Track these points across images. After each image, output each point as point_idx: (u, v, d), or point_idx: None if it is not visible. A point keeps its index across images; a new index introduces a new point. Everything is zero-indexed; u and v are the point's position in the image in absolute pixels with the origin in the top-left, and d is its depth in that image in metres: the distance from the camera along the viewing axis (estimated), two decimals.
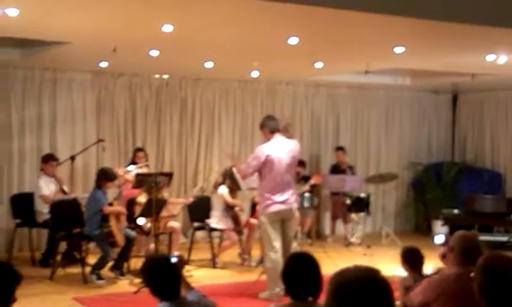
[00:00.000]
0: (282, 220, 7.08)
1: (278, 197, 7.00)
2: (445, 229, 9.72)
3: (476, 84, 11.02)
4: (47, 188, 8.71)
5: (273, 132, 7.19)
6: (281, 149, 7.09)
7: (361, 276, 2.25)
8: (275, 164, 7.00)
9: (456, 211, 9.46)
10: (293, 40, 6.83)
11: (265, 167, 7.02)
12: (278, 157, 7.02)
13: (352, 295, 2.20)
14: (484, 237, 5.81)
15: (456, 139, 13.06)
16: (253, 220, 9.04)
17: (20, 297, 3.08)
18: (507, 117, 12.07)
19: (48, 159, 8.91)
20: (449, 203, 10.75)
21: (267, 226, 7.02)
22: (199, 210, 9.19)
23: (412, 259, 4.76)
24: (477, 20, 5.82)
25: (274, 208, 7.00)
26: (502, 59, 8.04)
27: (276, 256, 6.87)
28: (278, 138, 7.18)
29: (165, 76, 10.58)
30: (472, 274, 3.32)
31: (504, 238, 8.08)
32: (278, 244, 6.99)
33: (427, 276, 4.48)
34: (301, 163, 9.87)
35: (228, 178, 8.74)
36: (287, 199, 7.05)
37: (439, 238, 4.14)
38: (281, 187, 7.01)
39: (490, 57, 7.99)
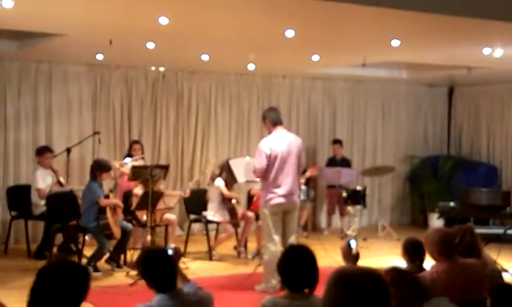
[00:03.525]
0: (284, 213, 7.08)
1: (281, 190, 6.99)
2: (441, 221, 9.77)
3: (472, 78, 11.03)
4: (43, 181, 8.69)
5: (275, 124, 7.13)
6: (282, 142, 7.05)
7: (363, 269, 2.34)
8: (277, 157, 6.97)
9: (451, 204, 9.49)
10: (289, 33, 6.82)
11: (268, 161, 7.00)
12: (280, 150, 6.99)
13: (355, 283, 2.24)
14: (480, 230, 5.81)
15: (452, 132, 13.08)
16: (249, 213, 9.04)
17: (15, 289, 3.09)
18: (503, 110, 12.09)
19: (44, 151, 8.89)
20: (445, 196, 10.78)
21: (269, 218, 7.01)
22: (195, 202, 9.19)
23: (413, 252, 4.72)
24: (473, 13, 5.83)
25: (277, 200, 6.99)
26: (498, 52, 8.03)
27: (275, 249, 6.85)
28: (280, 131, 7.13)
29: (161, 68, 10.56)
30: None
31: (500, 231, 8.12)
32: (277, 237, 6.98)
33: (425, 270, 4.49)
34: None
35: (225, 170, 8.75)
36: (289, 192, 7.03)
37: (353, 243, 4.13)
38: (283, 180, 6.99)
39: (486, 51, 7.99)
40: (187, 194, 9.03)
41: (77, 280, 2.70)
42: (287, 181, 7.01)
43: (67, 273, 2.71)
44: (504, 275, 5.22)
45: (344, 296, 2.22)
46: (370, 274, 2.29)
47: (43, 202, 8.51)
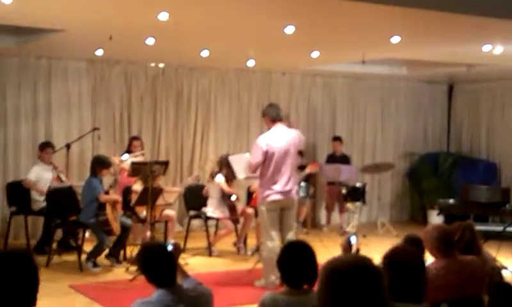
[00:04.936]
0: (281, 209, 7.07)
1: (278, 187, 6.99)
2: (440, 218, 9.78)
3: (472, 75, 11.03)
4: (35, 174, 8.67)
5: (274, 120, 7.11)
6: (281, 139, 7.03)
7: (352, 263, 2.29)
8: (275, 154, 6.96)
9: (451, 201, 9.51)
10: (289, 29, 6.81)
11: (265, 157, 7.00)
12: (278, 147, 6.97)
13: (342, 280, 2.22)
14: (479, 227, 5.82)
15: (452, 129, 13.08)
16: (249, 210, 9.04)
17: None
18: (503, 107, 12.09)
19: (45, 147, 8.90)
20: (445, 193, 10.79)
21: (266, 214, 7.01)
22: (195, 198, 9.19)
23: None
24: (473, 10, 5.83)
25: (274, 197, 6.98)
26: (498, 49, 8.03)
27: (273, 245, 6.86)
28: (279, 127, 7.10)
29: (161, 64, 10.55)
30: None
31: (499, 228, 8.13)
32: (275, 233, 6.98)
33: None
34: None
35: (225, 166, 8.74)
36: (286, 188, 7.02)
37: (353, 239, 4.16)
38: (280, 177, 6.98)
39: (486, 48, 7.99)
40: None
41: (20, 270, 2.44)
42: (284, 178, 6.99)
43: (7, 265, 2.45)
44: (504, 272, 5.23)
45: (334, 288, 2.21)
46: (360, 264, 2.26)
47: (42, 198, 8.51)
